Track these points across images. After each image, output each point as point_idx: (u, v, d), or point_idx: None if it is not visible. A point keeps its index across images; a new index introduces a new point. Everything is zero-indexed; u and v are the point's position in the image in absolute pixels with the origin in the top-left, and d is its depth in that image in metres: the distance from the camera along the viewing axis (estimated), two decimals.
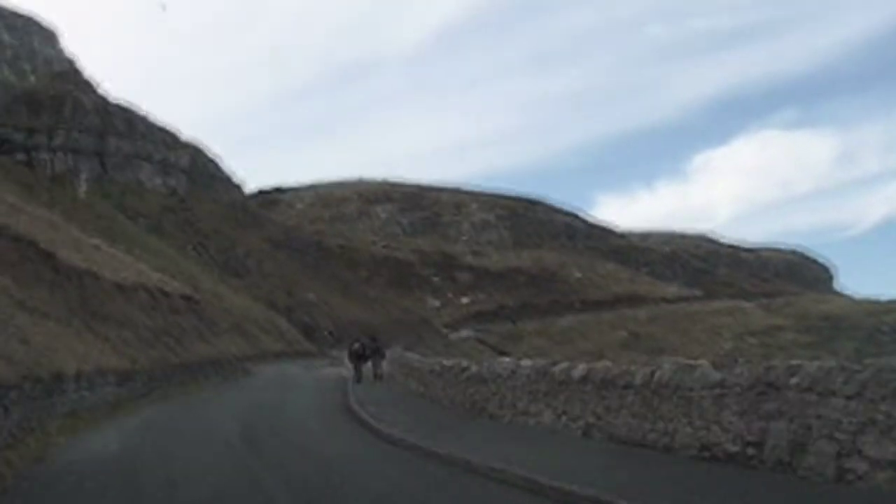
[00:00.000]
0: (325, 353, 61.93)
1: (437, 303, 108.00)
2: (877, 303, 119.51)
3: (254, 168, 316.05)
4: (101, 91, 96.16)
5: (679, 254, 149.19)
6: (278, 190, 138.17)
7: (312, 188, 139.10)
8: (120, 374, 22.18)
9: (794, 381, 8.26)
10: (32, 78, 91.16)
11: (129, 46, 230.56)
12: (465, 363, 16.75)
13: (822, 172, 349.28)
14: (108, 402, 20.26)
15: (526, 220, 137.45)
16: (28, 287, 22.28)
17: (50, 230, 36.82)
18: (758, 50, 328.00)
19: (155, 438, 15.18)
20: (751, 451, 8.78)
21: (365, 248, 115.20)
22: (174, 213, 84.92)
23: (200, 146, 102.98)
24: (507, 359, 15.16)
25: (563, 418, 12.52)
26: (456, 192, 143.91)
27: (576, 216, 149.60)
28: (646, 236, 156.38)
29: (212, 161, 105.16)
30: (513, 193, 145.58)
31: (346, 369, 34.95)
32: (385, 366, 30.83)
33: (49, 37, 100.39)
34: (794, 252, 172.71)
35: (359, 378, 29.59)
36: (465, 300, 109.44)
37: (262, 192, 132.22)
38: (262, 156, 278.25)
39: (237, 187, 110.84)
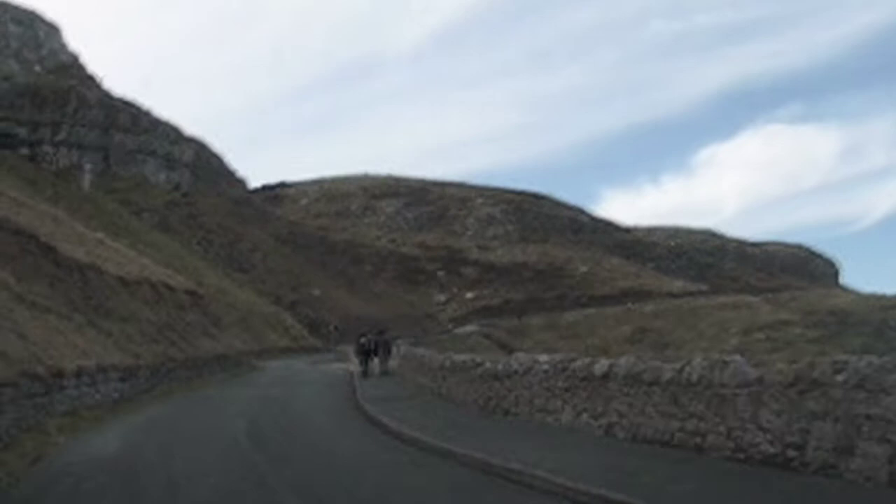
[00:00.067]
0: (331, 348, 61.50)
1: (442, 297, 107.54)
2: (883, 297, 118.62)
3: (257, 165, 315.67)
4: (104, 86, 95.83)
5: (685, 248, 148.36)
6: (283, 185, 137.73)
7: (317, 183, 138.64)
8: (123, 370, 21.67)
9: (840, 378, 7.68)
10: (37, 70, 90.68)
11: (132, 43, 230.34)
12: (479, 359, 16.18)
13: (828, 167, 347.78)
14: (110, 399, 19.75)
15: (532, 214, 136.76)
16: (28, 281, 21.80)
17: (52, 224, 36.39)
18: (763, 44, 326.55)
19: (157, 437, 14.63)
20: (791, 452, 8.19)
21: (370, 243, 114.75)
22: (179, 207, 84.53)
23: (205, 141, 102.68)
24: (522, 354, 14.59)
25: (584, 416, 11.95)
26: (461, 186, 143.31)
27: (582, 211, 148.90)
28: (651, 231, 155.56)
29: (216, 156, 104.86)
30: (518, 188, 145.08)
31: (353, 365, 34.46)
32: (393, 361, 30.31)
33: (53, 32, 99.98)
34: (799, 246, 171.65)
35: (366, 373, 29.10)
36: (470, 295, 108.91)
37: (266, 188, 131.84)
38: (265, 153, 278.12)
39: (242, 182, 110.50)
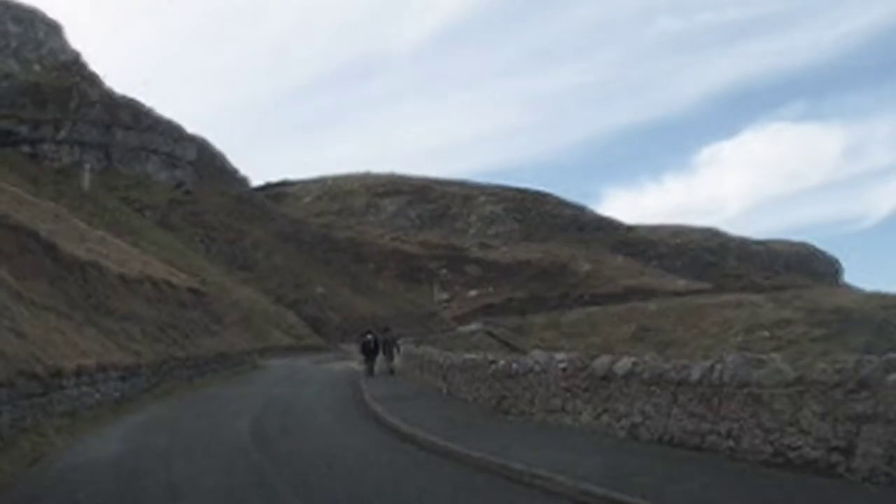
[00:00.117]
0: (334, 346, 61.08)
1: (445, 296, 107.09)
2: (886, 296, 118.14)
3: (259, 164, 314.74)
4: (106, 84, 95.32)
5: (688, 247, 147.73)
6: (285, 183, 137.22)
7: (319, 181, 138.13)
8: (124, 369, 21.18)
9: (892, 377, 7.16)
10: (37, 71, 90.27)
11: (133, 41, 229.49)
12: (492, 356, 15.67)
13: (831, 166, 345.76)
14: (110, 399, 19.26)
15: (534, 212, 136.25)
16: (27, 279, 21.28)
17: (53, 221, 35.88)
18: (766, 43, 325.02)
19: (158, 439, 14.10)
20: (836, 457, 7.67)
21: (373, 242, 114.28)
22: (181, 205, 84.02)
23: (207, 140, 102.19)
24: (539, 352, 14.06)
25: (605, 417, 11.42)
26: (464, 185, 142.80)
27: (584, 209, 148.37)
28: (654, 229, 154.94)
29: (218, 154, 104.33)
30: (521, 186, 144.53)
31: (357, 363, 34.02)
32: (397, 359, 29.85)
33: (54, 30, 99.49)
34: (802, 245, 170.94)
35: (371, 372, 28.65)
36: (473, 293, 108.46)
37: (269, 185, 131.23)
38: (267, 151, 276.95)
39: (244, 180, 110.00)
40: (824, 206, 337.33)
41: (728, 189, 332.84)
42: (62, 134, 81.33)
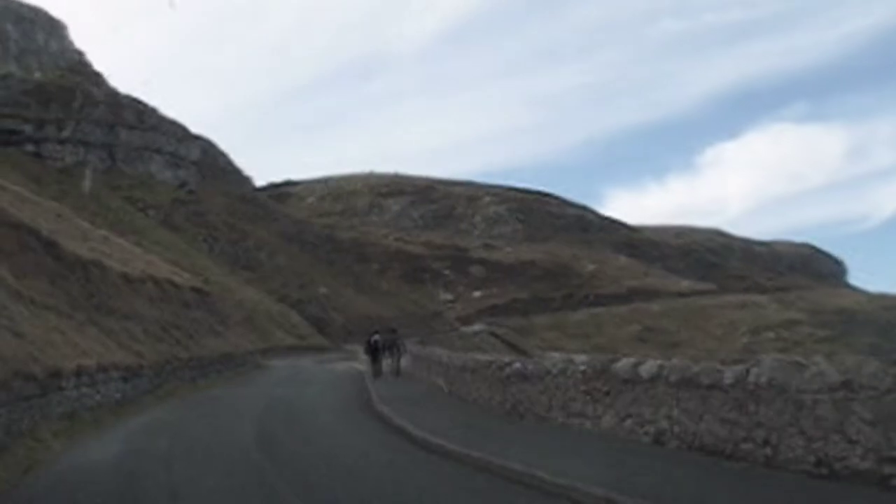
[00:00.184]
0: (338, 346, 60.62)
1: (449, 296, 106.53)
2: (890, 297, 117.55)
3: (263, 164, 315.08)
4: (110, 84, 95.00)
5: (692, 247, 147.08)
6: (289, 183, 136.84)
7: (323, 181, 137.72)
8: (125, 369, 20.68)
9: None
10: (41, 70, 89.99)
11: (133, 41, 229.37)
12: (506, 358, 15.13)
13: (834, 166, 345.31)
14: (111, 400, 18.75)
15: (538, 213, 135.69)
16: (27, 277, 20.79)
17: (55, 220, 35.44)
18: (769, 43, 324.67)
19: (160, 442, 13.58)
20: (889, 469, 7.13)
21: (376, 242, 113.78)
22: (184, 205, 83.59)
23: (210, 139, 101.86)
24: (556, 354, 13.55)
25: (628, 422, 10.88)
26: (468, 185, 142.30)
27: (588, 209, 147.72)
28: (658, 230, 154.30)
29: (222, 154, 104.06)
30: (524, 187, 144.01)
31: (362, 364, 33.53)
32: (404, 361, 29.33)
33: (57, 30, 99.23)
34: (806, 245, 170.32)
35: (376, 373, 28.15)
36: (477, 294, 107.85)
37: (272, 186, 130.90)
38: (271, 151, 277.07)
39: (248, 180, 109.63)
40: (827, 206, 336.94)
41: (731, 190, 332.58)
42: (66, 133, 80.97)
